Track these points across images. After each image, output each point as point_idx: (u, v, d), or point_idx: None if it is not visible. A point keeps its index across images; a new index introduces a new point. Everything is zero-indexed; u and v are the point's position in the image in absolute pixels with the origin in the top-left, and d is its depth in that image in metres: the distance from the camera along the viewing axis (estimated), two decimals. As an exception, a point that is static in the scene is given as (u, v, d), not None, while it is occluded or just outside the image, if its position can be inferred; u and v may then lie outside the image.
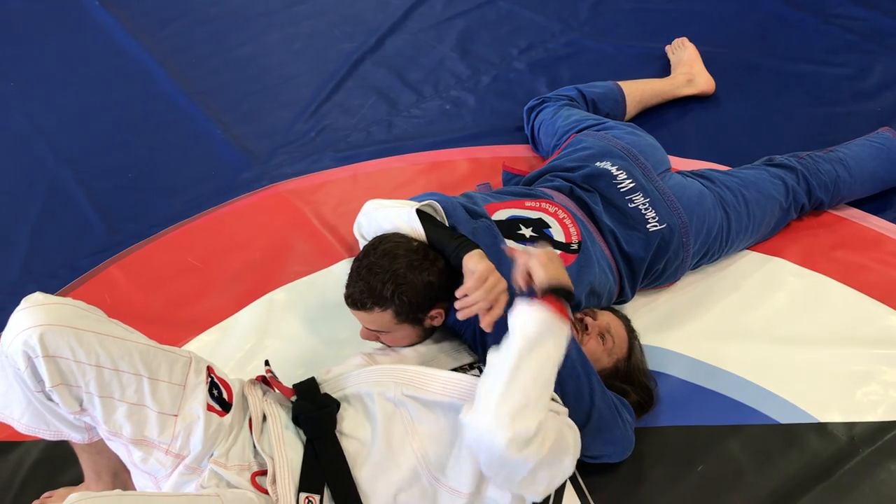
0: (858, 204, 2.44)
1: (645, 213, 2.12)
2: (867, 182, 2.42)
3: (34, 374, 1.51)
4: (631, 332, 2.01)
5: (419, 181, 2.59)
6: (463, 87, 2.92)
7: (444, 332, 1.93)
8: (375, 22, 3.21)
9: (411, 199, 2.03)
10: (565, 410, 1.70)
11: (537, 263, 1.59)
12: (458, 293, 1.68)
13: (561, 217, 2.05)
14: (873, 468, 1.89)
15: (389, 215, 1.88)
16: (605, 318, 1.97)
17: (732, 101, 2.81)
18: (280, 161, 2.70)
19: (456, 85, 2.93)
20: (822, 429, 1.96)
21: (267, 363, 1.80)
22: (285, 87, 2.99)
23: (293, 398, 1.73)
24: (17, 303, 1.56)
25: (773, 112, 2.77)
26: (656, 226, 2.11)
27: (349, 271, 1.82)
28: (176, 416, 1.59)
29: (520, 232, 2.00)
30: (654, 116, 2.74)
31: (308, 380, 1.78)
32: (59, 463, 1.94)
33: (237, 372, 2.02)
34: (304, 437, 1.67)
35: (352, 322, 1.88)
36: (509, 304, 1.63)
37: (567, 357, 1.60)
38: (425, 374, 1.69)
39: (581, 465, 1.79)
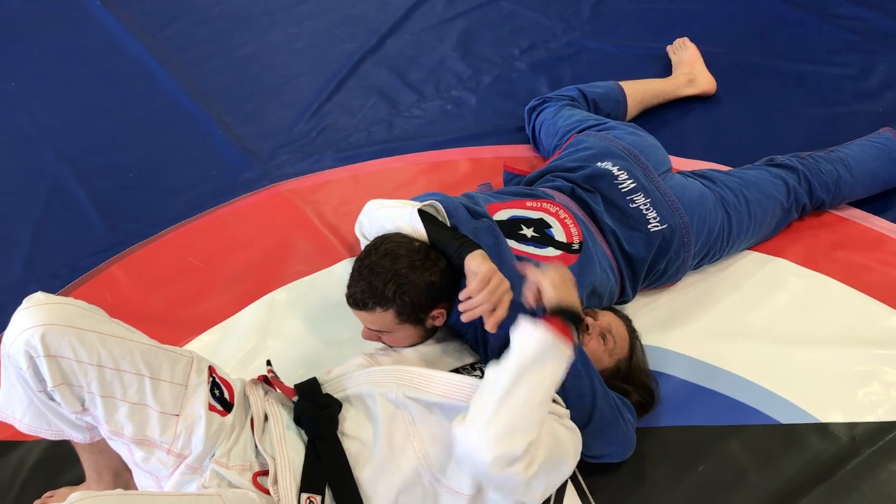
0: (860, 204, 2.44)
1: (646, 214, 2.12)
2: (868, 182, 2.42)
3: (36, 374, 1.51)
4: (632, 333, 2.01)
5: (420, 181, 2.59)
6: (464, 87, 2.92)
7: (446, 332, 1.92)
8: (377, 22, 3.21)
9: (413, 199, 2.03)
10: (566, 413, 1.70)
11: (548, 283, 1.60)
12: (461, 296, 1.68)
13: (562, 217, 2.05)
14: (874, 468, 1.89)
15: (391, 215, 1.88)
16: (607, 318, 1.97)
17: (733, 102, 2.81)
18: (281, 161, 2.70)
19: (457, 85, 2.93)
20: (823, 429, 1.96)
21: (269, 363, 1.80)
22: (287, 87, 2.99)
23: (295, 398, 1.73)
24: (18, 302, 1.56)
25: (775, 112, 2.77)
26: (657, 226, 2.11)
27: (351, 271, 1.82)
28: (177, 415, 1.60)
29: (521, 232, 2.00)
30: (656, 116, 2.74)
31: (310, 380, 1.78)
32: (60, 462, 1.94)
33: (238, 372, 2.03)
34: (305, 438, 1.67)
35: (353, 322, 1.88)
36: (513, 311, 1.63)
37: (568, 357, 1.60)
38: (426, 376, 1.70)
39: (582, 465, 1.80)
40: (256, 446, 1.65)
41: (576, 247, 2.00)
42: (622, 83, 2.70)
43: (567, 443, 1.64)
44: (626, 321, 2.02)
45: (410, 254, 1.77)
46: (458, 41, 3.10)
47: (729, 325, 2.17)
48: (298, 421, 1.69)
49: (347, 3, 3.32)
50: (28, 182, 2.69)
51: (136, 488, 1.71)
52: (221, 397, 1.66)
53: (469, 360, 1.86)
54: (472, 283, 1.68)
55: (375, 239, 1.85)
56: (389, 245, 1.79)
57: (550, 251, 1.97)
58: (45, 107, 2.96)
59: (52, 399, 1.56)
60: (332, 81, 2.96)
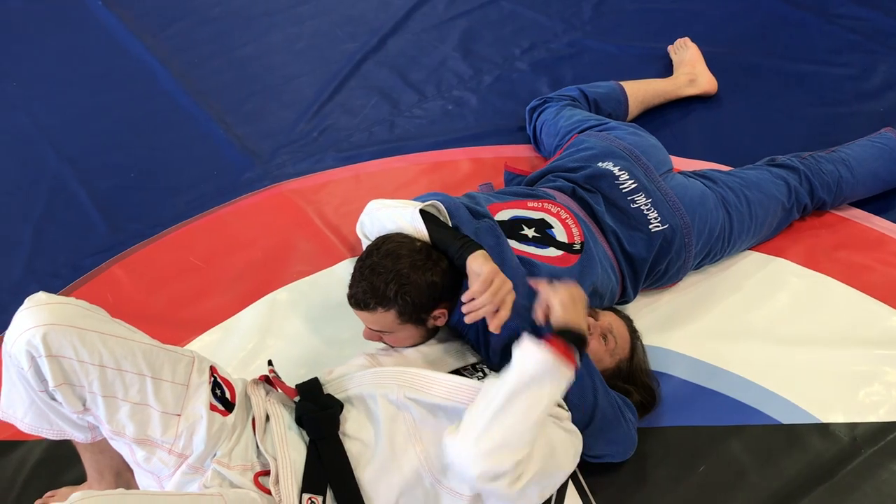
0: (861, 204, 2.44)
1: (647, 214, 2.12)
2: (869, 182, 2.42)
3: (37, 374, 1.52)
4: (633, 333, 2.01)
5: (421, 181, 2.59)
6: (465, 87, 2.92)
7: (448, 332, 1.92)
8: (378, 22, 3.21)
9: (414, 199, 2.03)
10: (567, 415, 1.70)
11: (558, 302, 1.60)
12: (464, 297, 1.69)
13: (563, 217, 2.05)
14: (875, 468, 1.89)
15: (392, 215, 1.88)
16: (608, 318, 1.97)
17: (734, 102, 2.81)
18: (282, 161, 2.70)
19: (458, 85, 2.93)
20: (824, 429, 1.96)
21: (270, 363, 1.80)
22: (288, 87, 2.99)
23: (296, 399, 1.73)
24: (20, 302, 1.56)
25: (776, 112, 2.77)
26: (658, 226, 2.11)
27: (352, 271, 1.82)
28: (179, 415, 1.60)
29: (522, 232, 2.00)
30: (657, 116, 2.74)
31: (311, 380, 1.78)
32: (61, 462, 1.94)
33: (239, 372, 2.02)
34: (307, 438, 1.67)
35: (354, 322, 1.88)
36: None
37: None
38: (427, 377, 1.70)
39: (583, 464, 1.80)
40: (258, 446, 1.65)
41: (577, 247, 2.00)
42: (623, 83, 2.70)
43: (563, 451, 1.65)
44: (628, 321, 2.02)
45: (412, 254, 1.77)
46: (459, 41, 3.10)
47: (730, 326, 2.17)
48: (300, 421, 1.69)
49: (348, 4, 3.32)
50: (29, 182, 2.69)
51: (137, 488, 1.71)
52: (223, 397, 1.66)
53: (471, 360, 1.86)
54: (474, 285, 1.67)
55: (377, 239, 1.85)
56: (391, 245, 1.79)
57: (552, 251, 1.97)
58: (46, 106, 2.96)
59: (53, 399, 1.56)
60: (333, 81, 2.96)
